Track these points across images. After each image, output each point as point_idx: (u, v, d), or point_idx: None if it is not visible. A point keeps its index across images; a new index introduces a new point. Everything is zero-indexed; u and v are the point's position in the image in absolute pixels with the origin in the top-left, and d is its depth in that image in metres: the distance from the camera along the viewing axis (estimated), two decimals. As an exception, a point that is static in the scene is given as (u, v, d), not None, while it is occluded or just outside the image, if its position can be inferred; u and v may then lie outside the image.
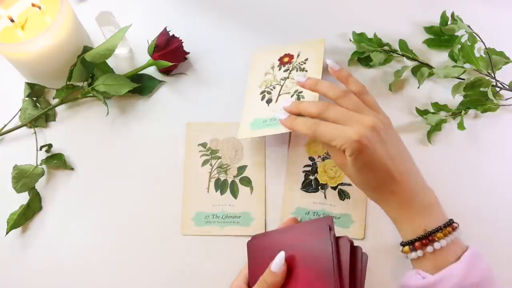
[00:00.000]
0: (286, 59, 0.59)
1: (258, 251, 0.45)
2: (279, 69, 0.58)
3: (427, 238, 0.43)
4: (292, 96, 0.55)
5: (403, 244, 0.46)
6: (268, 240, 0.45)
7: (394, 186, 0.46)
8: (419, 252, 0.44)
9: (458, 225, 0.45)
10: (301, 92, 0.55)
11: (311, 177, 0.56)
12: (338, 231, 0.52)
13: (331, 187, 0.55)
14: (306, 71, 0.57)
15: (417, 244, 0.44)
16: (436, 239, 0.43)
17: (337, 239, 0.41)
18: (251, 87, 0.59)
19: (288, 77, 0.57)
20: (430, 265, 0.43)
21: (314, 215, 0.54)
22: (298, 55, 0.59)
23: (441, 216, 0.45)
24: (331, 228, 0.40)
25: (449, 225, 0.44)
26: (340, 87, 0.48)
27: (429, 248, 0.43)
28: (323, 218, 0.41)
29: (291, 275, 0.42)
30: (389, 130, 0.47)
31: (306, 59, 0.58)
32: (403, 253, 0.46)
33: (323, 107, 0.47)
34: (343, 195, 0.55)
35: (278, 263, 0.42)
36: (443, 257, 0.43)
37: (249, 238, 0.47)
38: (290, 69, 0.58)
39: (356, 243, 0.51)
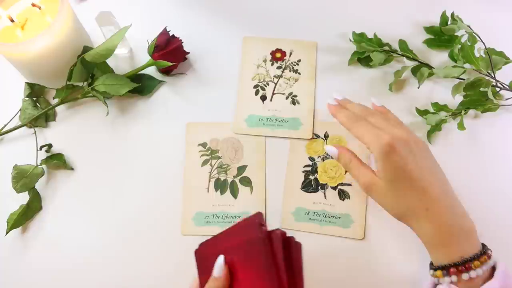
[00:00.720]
0: (278, 55, 0.61)
1: (204, 259, 0.44)
2: (271, 64, 0.61)
3: (463, 265, 0.42)
4: (286, 98, 0.59)
5: (434, 268, 0.44)
6: (211, 246, 0.44)
7: (428, 203, 0.44)
8: (453, 278, 0.43)
9: (492, 252, 0.44)
10: (296, 96, 0.59)
11: (311, 177, 0.56)
12: (338, 231, 0.53)
13: (331, 187, 0.55)
14: (299, 73, 0.61)
15: (452, 270, 0.43)
16: (473, 267, 0.42)
17: (269, 233, 0.40)
18: (243, 78, 0.61)
19: (281, 76, 0.60)
20: (462, 286, 0.43)
21: (314, 215, 0.54)
22: (291, 54, 0.62)
23: (477, 243, 0.44)
24: (262, 224, 0.40)
25: (485, 253, 0.43)
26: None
27: (465, 276, 0.42)
28: (254, 215, 0.41)
29: (234, 277, 0.41)
30: (425, 151, 0.47)
31: (299, 60, 0.61)
32: (434, 277, 0.44)
33: (367, 112, 0.49)
34: (343, 195, 0.55)
35: (217, 267, 0.41)
36: (476, 281, 0.42)
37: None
38: (283, 67, 0.61)
39: (356, 243, 0.52)
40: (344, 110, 0.51)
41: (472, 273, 0.42)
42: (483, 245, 0.45)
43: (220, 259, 0.41)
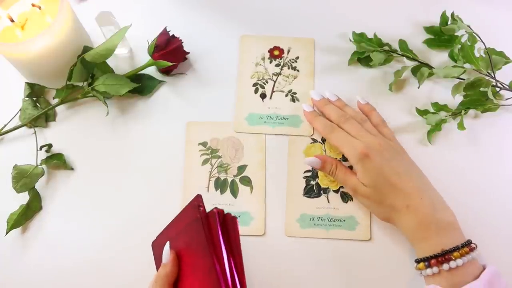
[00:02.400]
0: (276, 52, 0.62)
1: (158, 249, 0.45)
2: (270, 62, 0.61)
3: (443, 256, 0.44)
4: (286, 95, 0.59)
5: (418, 261, 0.46)
6: (163, 236, 0.45)
7: (408, 200, 0.47)
8: (435, 269, 0.44)
9: (476, 246, 0.45)
10: (295, 93, 0.59)
11: (312, 182, 0.55)
12: (345, 234, 0.53)
13: (333, 190, 0.55)
14: (298, 70, 0.61)
15: (433, 261, 0.44)
16: (452, 257, 0.44)
17: (207, 214, 0.41)
18: (242, 77, 0.61)
19: (280, 73, 0.60)
20: (446, 283, 0.44)
21: (319, 220, 0.54)
22: (288, 51, 0.62)
23: (460, 236, 0.46)
24: (200, 206, 0.41)
25: (467, 245, 0.45)
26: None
27: (445, 266, 0.44)
28: (193, 198, 0.42)
29: (183, 261, 0.42)
30: (399, 153, 0.51)
31: (297, 57, 0.61)
32: (418, 270, 0.46)
33: (342, 118, 0.53)
34: (345, 197, 0.55)
35: (165, 254, 0.42)
36: (459, 276, 0.43)
37: (249, 238, 0.47)
38: (282, 65, 0.61)
39: (363, 245, 0.52)
40: (320, 118, 0.55)
41: (452, 264, 0.43)
42: (469, 240, 0.46)
43: (166, 246, 0.43)
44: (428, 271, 0.45)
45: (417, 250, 0.47)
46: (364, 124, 0.53)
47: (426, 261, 0.45)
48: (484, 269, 0.44)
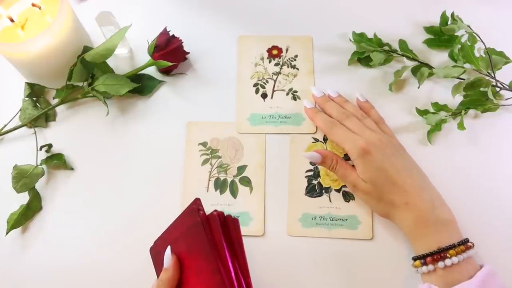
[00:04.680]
0: (275, 52, 0.62)
1: (158, 254, 0.45)
2: (269, 62, 0.61)
3: (439, 254, 0.44)
4: (287, 94, 0.60)
5: (414, 258, 0.46)
6: (162, 241, 0.45)
7: (407, 197, 0.47)
8: (430, 267, 0.44)
9: (473, 245, 0.46)
10: (296, 91, 0.60)
11: (314, 182, 0.55)
12: (347, 234, 0.53)
13: (335, 190, 0.55)
14: (298, 69, 0.61)
15: (428, 259, 0.44)
16: (448, 255, 0.44)
17: (207, 217, 0.41)
18: (242, 77, 0.61)
19: (280, 72, 0.60)
20: (441, 282, 0.44)
21: (321, 220, 0.54)
22: (287, 50, 0.62)
23: (457, 234, 0.46)
24: (199, 209, 0.41)
25: (463, 244, 0.45)
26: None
27: (440, 264, 0.44)
28: (192, 202, 0.42)
29: (184, 265, 0.42)
30: (399, 150, 0.51)
31: (296, 56, 0.61)
32: (414, 267, 0.46)
33: (343, 115, 0.54)
34: (347, 196, 0.54)
35: (166, 258, 0.42)
36: (455, 274, 0.43)
37: (248, 238, 0.47)
38: (281, 64, 0.61)
39: (366, 244, 0.52)
40: (321, 114, 0.55)
41: (447, 261, 0.43)
42: (466, 239, 0.46)
43: (167, 250, 0.42)
44: (424, 268, 0.45)
45: (414, 248, 0.47)
46: (365, 121, 0.53)
47: (422, 258, 0.45)
48: (481, 268, 0.44)
